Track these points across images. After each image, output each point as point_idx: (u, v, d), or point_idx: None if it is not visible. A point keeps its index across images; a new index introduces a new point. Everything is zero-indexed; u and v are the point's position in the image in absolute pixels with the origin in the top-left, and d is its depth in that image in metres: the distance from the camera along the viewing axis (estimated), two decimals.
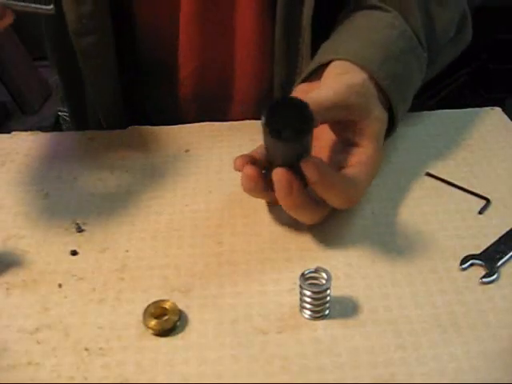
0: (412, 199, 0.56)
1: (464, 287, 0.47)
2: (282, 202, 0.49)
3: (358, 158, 0.52)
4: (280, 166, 0.47)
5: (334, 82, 0.53)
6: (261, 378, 0.41)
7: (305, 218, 0.51)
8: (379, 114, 0.53)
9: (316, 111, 0.46)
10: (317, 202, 0.50)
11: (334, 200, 0.49)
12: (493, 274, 0.48)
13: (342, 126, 0.53)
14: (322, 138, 0.54)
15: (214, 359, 0.42)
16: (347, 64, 0.54)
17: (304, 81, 0.58)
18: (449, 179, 0.58)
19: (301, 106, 0.45)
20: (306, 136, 0.46)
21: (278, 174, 0.47)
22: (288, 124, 0.45)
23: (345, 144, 0.53)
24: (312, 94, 0.50)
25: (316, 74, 0.56)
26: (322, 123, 0.50)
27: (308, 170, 0.46)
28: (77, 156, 0.63)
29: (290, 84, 0.62)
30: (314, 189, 0.48)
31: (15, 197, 0.58)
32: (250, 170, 0.50)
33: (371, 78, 0.54)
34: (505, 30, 1.64)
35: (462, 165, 0.60)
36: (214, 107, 0.72)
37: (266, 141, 0.48)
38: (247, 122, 0.68)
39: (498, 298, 0.46)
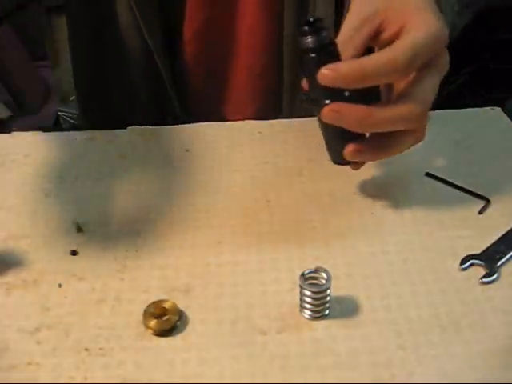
0: (412, 199, 0.56)
1: (464, 287, 0.47)
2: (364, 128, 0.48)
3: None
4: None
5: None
6: (261, 378, 0.41)
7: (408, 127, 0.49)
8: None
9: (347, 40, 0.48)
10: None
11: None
12: (493, 274, 0.48)
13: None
14: None
15: (214, 359, 0.42)
16: None
17: None
18: (449, 179, 0.58)
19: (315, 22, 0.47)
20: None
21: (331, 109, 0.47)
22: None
23: None
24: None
25: None
26: (362, 45, 0.50)
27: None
28: (77, 156, 0.63)
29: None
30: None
31: (15, 197, 0.58)
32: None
33: None
34: (505, 29, 1.64)
35: (462, 165, 0.60)
36: (219, 72, 0.71)
37: (309, 69, 0.48)
38: (247, 122, 0.68)
39: (498, 298, 0.46)
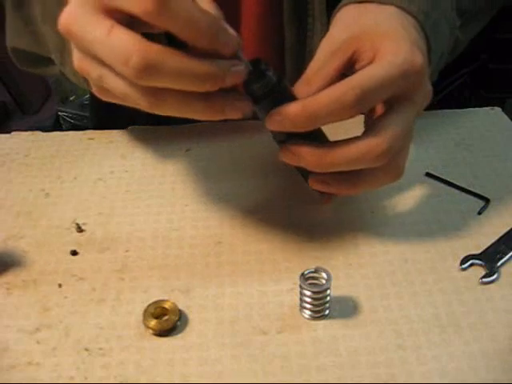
0: (412, 199, 0.56)
1: (464, 287, 0.47)
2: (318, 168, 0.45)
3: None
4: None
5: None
6: (261, 378, 0.41)
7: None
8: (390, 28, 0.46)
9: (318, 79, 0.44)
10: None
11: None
12: (493, 274, 0.48)
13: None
14: None
15: (214, 359, 0.42)
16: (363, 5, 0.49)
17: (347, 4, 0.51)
18: (449, 179, 0.58)
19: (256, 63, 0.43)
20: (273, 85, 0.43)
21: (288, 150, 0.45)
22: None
23: None
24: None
25: None
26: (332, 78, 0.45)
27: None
28: (77, 156, 0.63)
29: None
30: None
31: (15, 197, 0.58)
32: None
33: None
34: (505, 29, 1.64)
35: (462, 165, 0.60)
36: None
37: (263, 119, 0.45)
38: (247, 122, 0.68)
39: (498, 298, 0.46)
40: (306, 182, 0.50)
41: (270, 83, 0.43)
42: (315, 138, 0.46)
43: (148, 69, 0.38)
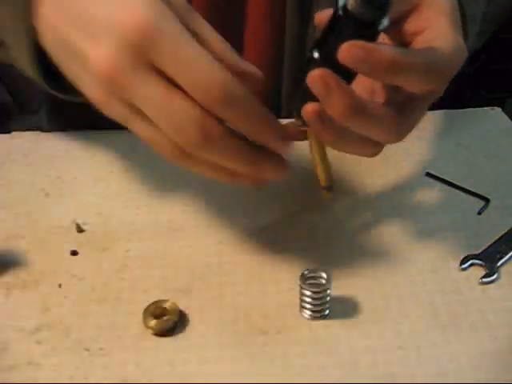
0: (412, 199, 0.56)
1: (464, 287, 0.47)
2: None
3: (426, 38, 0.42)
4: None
5: None
6: (261, 378, 0.41)
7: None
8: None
9: None
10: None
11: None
12: (493, 274, 0.48)
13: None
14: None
15: (214, 359, 0.42)
16: None
17: None
18: (449, 179, 0.58)
19: None
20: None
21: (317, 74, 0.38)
22: None
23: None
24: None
25: None
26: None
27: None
28: (77, 156, 0.63)
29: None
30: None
31: (15, 197, 0.58)
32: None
33: None
34: (505, 29, 1.64)
35: (462, 165, 0.60)
36: None
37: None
38: None
39: (498, 297, 0.46)
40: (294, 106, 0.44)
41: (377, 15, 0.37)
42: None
43: (201, 145, 0.38)
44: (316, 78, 0.38)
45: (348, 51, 0.37)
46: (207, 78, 0.37)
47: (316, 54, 0.40)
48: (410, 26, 0.44)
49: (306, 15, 0.64)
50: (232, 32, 0.67)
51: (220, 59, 0.39)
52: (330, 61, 0.39)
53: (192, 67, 0.37)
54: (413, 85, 0.41)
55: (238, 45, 0.68)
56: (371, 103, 0.40)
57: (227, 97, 0.37)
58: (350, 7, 0.37)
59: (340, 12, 0.38)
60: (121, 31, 0.37)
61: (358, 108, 0.39)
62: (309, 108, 0.40)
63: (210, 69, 0.37)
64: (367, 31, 0.38)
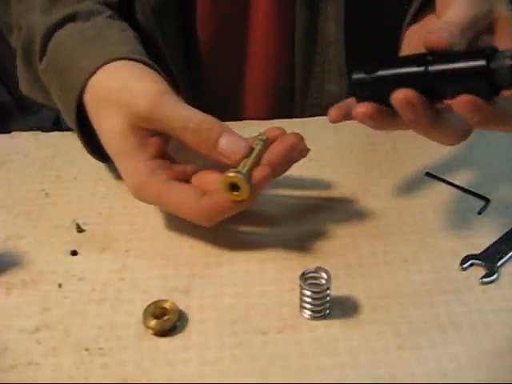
0: (412, 199, 0.56)
1: (464, 287, 0.47)
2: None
3: None
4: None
5: None
6: (261, 378, 0.41)
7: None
8: None
9: (458, 33, 0.42)
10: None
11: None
12: (493, 274, 0.48)
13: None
14: None
15: (214, 359, 0.42)
16: None
17: (411, 23, 0.51)
18: (449, 179, 0.58)
19: None
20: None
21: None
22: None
23: None
24: (445, 17, 0.45)
25: (425, 8, 0.50)
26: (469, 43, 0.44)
27: None
28: (77, 156, 0.63)
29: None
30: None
31: (15, 197, 0.58)
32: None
33: None
34: None
35: (462, 165, 0.60)
36: (233, 74, 0.71)
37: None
38: (247, 122, 0.68)
39: (498, 297, 0.46)
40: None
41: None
42: None
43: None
44: (402, 100, 0.42)
45: (466, 103, 0.41)
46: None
47: (422, 68, 0.42)
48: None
49: (315, 11, 0.65)
50: (237, 30, 0.67)
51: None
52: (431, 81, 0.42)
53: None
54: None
55: (244, 42, 0.68)
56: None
57: (212, 221, 0.49)
58: (498, 75, 0.40)
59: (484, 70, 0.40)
60: None
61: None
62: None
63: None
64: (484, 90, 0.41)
